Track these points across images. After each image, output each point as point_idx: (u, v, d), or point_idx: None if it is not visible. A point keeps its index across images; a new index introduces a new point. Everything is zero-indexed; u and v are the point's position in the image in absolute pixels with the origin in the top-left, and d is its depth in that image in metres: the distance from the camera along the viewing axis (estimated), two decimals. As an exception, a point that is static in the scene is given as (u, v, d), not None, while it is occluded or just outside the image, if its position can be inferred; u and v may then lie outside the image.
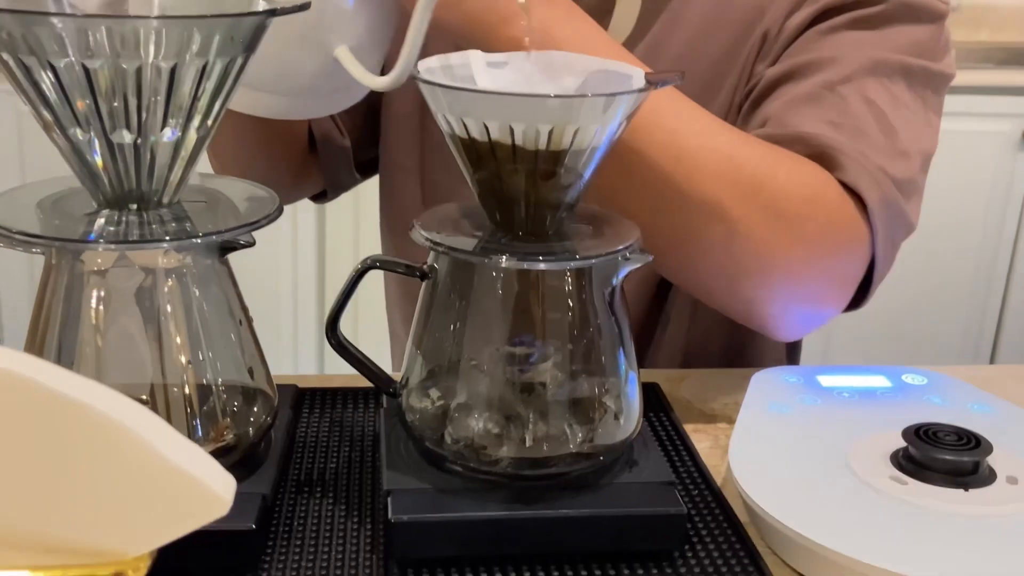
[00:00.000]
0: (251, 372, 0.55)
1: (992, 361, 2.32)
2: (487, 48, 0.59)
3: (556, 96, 0.51)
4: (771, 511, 0.54)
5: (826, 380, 0.68)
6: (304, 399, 0.68)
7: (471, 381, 0.55)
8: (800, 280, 0.66)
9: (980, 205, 2.20)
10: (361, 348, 0.59)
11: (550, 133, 0.50)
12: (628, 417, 0.56)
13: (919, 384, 0.67)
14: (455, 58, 0.57)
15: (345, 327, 0.57)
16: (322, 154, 0.90)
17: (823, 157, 0.67)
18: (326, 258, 2.17)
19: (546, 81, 0.58)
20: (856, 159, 0.66)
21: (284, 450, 0.58)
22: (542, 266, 0.54)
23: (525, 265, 0.52)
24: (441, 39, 0.62)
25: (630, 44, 0.78)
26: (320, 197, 0.96)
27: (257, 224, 0.51)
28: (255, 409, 0.55)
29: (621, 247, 0.53)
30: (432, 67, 0.56)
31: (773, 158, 0.66)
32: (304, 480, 0.59)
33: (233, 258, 0.54)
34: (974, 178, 2.19)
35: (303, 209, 2.01)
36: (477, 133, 0.51)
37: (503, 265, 0.52)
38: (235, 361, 0.54)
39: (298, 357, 2.23)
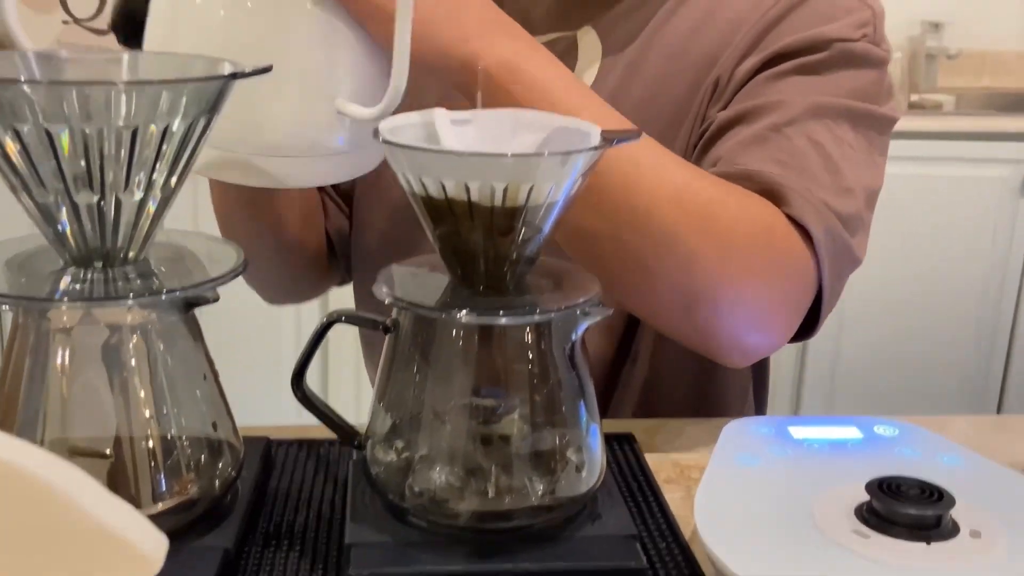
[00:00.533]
0: (215, 426, 0.56)
1: (999, 410, 2.30)
2: (462, 80, 0.61)
3: (510, 155, 0.52)
4: (733, 567, 0.54)
5: (797, 431, 0.68)
6: (275, 451, 0.68)
7: (433, 434, 0.56)
8: (750, 308, 0.68)
9: (982, 251, 2.20)
10: (337, 397, 0.59)
11: (505, 190, 0.51)
12: (590, 469, 0.57)
13: (889, 435, 0.67)
14: (418, 116, 0.58)
15: (319, 378, 0.58)
16: (339, 248, 0.95)
17: (770, 192, 0.69)
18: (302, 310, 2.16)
19: (508, 138, 0.59)
20: (802, 194, 0.69)
21: (251, 503, 0.59)
22: (502, 321, 0.54)
23: (483, 320, 0.53)
24: (427, 77, 0.64)
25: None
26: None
27: (220, 280, 0.52)
28: (220, 463, 0.56)
29: (580, 301, 0.54)
30: (396, 126, 0.57)
31: (724, 191, 0.68)
32: (272, 533, 0.59)
33: (216, 310, 0.55)
34: (975, 224, 2.19)
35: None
36: (435, 191, 0.52)
37: (462, 320, 0.53)
38: (200, 415, 0.55)
39: (281, 403, 2.20)
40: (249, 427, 0.65)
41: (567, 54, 0.82)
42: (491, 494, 0.54)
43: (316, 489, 0.64)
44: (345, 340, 1.97)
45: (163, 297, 0.51)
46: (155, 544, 0.33)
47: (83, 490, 0.31)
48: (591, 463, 0.57)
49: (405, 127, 0.57)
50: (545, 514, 0.55)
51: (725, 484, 0.62)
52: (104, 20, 0.69)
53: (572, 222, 0.64)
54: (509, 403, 0.55)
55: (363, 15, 0.63)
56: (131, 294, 0.50)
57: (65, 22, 0.70)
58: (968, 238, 2.20)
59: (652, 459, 0.73)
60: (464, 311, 0.52)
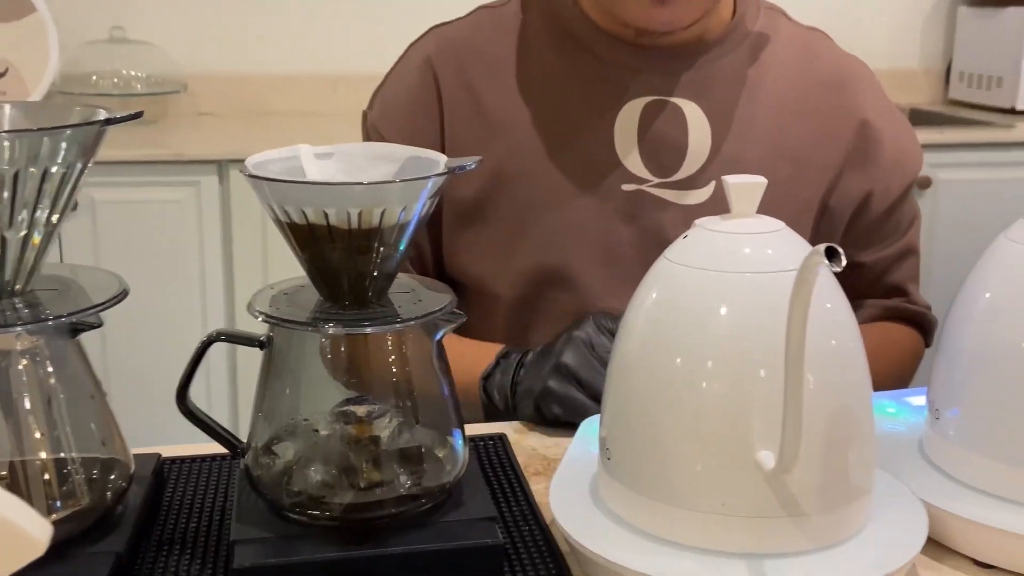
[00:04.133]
0: (104, 443, 0.61)
1: None
2: None
3: (360, 183, 0.58)
4: (582, 540, 0.60)
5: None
6: (168, 467, 0.73)
7: (307, 438, 0.61)
8: None
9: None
10: (221, 412, 0.65)
11: (360, 214, 0.57)
12: (452, 460, 0.63)
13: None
14: (284, 152, 0.64)
15: (204, 394, 0.63)
16: None
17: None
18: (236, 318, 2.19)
19: (366, 168, 0.65)
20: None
21: (144, 512, 0.64)
22: (368, 330, 0.61)
23: (349, 331, 0.59)
24: None
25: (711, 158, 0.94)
26: None
27: (103, 306, 0.57)
28: (110, 477, 0.60)
29: (436, 309, 0.60)
30: (261, 161, 0.63)
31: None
32: (165, 539, 0.64)
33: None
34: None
35: (212, 280, 2.04)
36: (297, 218, 0.58)
37: (329, 332, 0.59)
38: (88, 433, 0.60)
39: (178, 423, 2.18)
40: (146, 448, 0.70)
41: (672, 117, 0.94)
42: (362, 487, 0.60)
43: (207, 499, 0.69)
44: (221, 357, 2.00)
45: (49, 323, 0.56)
46: (41, 528, 0.38)
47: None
48: (453, 454, 0.63)
49: (269, 162, 0.63)
50: (411, 503, 0.61)
51: (578, 470, 0.69)
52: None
53: None
54: (375, 406, 0.61)
55: None
56: (19, 322, 0.55)
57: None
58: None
59: (524, 456, 0.80)
60: (331, 324, 0.58)
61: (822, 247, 0.50)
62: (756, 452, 0.57)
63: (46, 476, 0.57)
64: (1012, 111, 2.44)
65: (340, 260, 0.59)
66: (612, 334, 0.81)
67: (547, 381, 0.81)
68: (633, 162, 0.94)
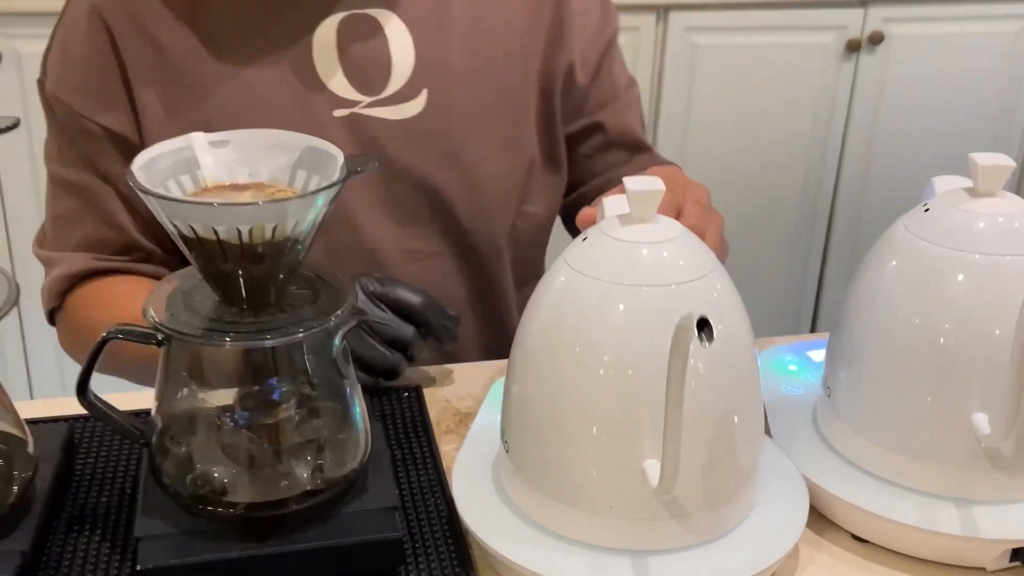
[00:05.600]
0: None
1: (819, 295, 2.42)
2: None
3: (250, 204, 0.57)
4: (482, 536, 0.63)
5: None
6: (79, 433, 0.73)
7: (207, 435, 0.62)
8: None
9: (807, 118, 2.31)
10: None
11: (251, 231, 0.57)
12: (353, 451, 0.64)
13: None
14: (178, 142, 0.62)
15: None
16: None
17: None
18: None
19: (264, 157, 0.64)
20: None
21: (49, 500, 0.65)
22: (268, 343, 0.60)
23: (245, 345, 0.59)
24: None
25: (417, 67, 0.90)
26: None
27: (-8, 321, 0.57)
28: (12, 471, 0.61)
29: (332, 320, 0.60)
30: (152, 157, 0.61)
31: None
32: (72, 525, 0.66)
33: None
34: (800, 93, 2.29)
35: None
36: (186, 231, 0.57)
37: (227, 345, 0.59)
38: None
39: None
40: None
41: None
42: (263, 484, 0.62)
43: (119, 467, 0.71)
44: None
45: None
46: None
47: None
48: (356, 441, 0.65)
49: (160, 156, 0.61)
50: (313, 497, 0.62)
51: (484, 446, 0.71)
52: None
53: None
54: (275, 397, 0.62)
55: None
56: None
57: None
58: (794, 105, 2.30)
59: (436, 409, 0.82)
60: (228, 337, 0.58)
61: (692, 317, 0.50)
62: (643, 460, 0.59)
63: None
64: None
65: (233, 270, 0.59)
66: (378, 297, 0.79)
67: None
68: (339, 84, 0.89)
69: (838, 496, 0.67)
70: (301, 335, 0.59)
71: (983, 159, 0.65)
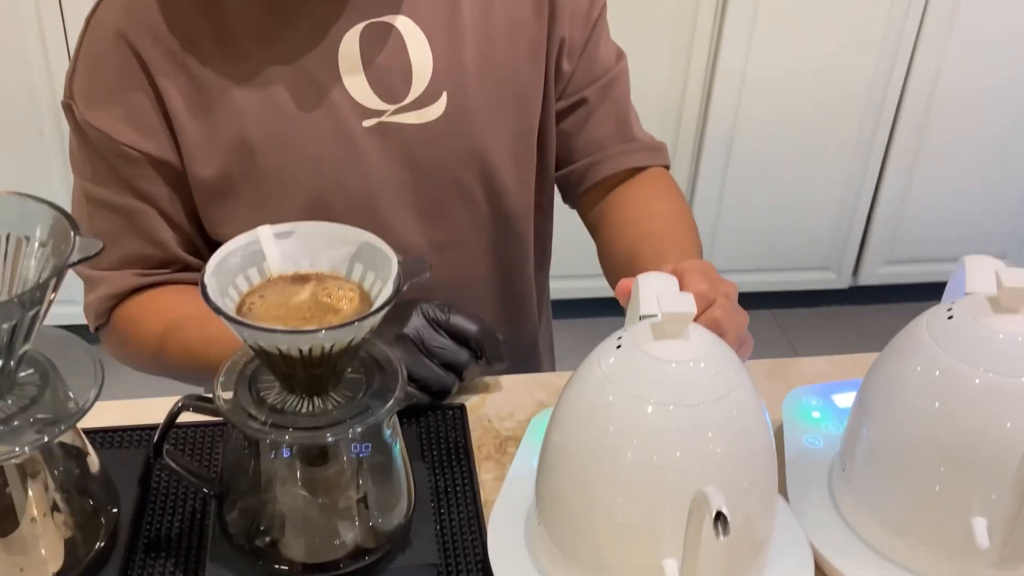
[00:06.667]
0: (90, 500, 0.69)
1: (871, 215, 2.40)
2: None
3: (309, 331, 0.61)
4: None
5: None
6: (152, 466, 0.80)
7: (269, 500, 0.69)
8: None
9: (871, 47, 2.22)
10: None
11: (310, 348, 0.62)
12: (397, 513, 0.71)
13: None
14: (246, 238, 0.67)
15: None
16: None
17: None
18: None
19: (324, 249, 0.68)
20: None
21: (131, 532, 0.73)
22: (328, 439, 0.66)
23: (300, 441, 0.65)
24: None
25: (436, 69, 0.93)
26: None
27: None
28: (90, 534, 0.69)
29: (382, 411, 0.66)
30: (226, 254, 0.66)
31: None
32: (148, 559, 0.74)
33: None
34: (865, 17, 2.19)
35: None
36: (251, 343, 0.62)
37: (285, 441, 0.65)
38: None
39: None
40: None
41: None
42: (315, 545, 0.69)
43: (181, 499, 0.78)
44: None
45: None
46: None
47: None
48: (399, 503, 0.71)
49: (230, 255, 0.66)
50: (360, 559, 0.70)
51: (518, 502, 0.77)
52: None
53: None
54: (329, 475, 0.69)
55: None
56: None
57: None
58: (857, 31, 2.21)
59: (478, 431, 0.88)
60: (287, 433, 0.64)
61: (713, 509, 0.55)
62: (663, 559, 0.65)
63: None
64: None
65: (296, 371, 0.64)
66: (438, 323, 0.84)
67: None
68: (365, 95, 0.91)
69: (840, 571, 0.73)
70: (359, 430, 0.65)
71: (1009, 279, 0.68)
